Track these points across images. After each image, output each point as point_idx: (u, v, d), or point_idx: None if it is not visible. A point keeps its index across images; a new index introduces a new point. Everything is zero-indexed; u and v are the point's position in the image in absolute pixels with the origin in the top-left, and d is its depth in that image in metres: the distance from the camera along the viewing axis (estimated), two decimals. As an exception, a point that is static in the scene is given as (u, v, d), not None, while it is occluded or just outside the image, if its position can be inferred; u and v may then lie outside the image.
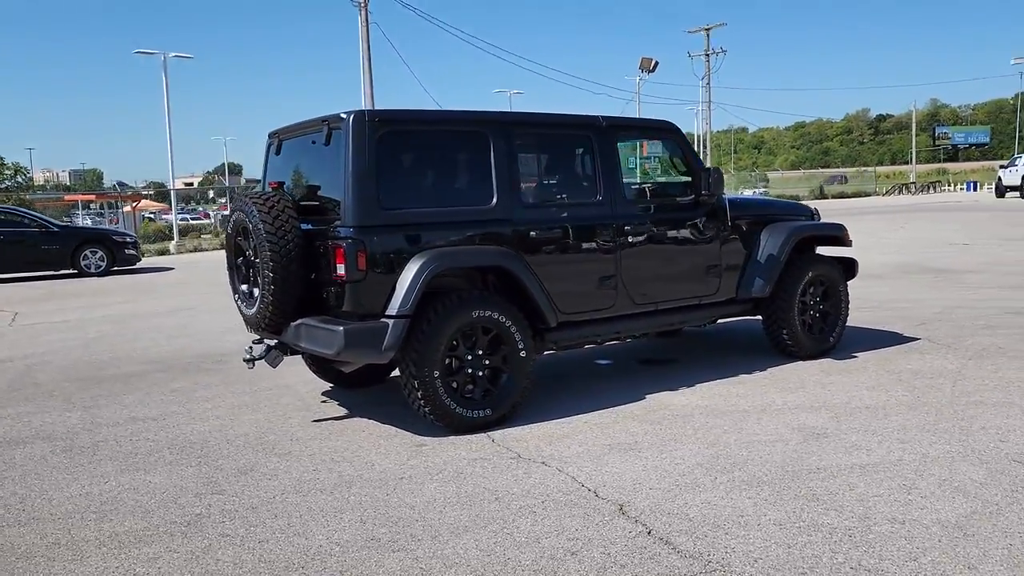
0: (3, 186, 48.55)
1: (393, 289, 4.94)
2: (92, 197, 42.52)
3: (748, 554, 3.29)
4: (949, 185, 57.45)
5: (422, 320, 4.96)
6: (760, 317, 6.90)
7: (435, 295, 5.04)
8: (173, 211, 32.25)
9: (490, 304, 5.16)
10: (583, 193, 5.83)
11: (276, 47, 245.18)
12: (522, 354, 5.27)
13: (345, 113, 5.01)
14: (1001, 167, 41.10)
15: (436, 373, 4.98)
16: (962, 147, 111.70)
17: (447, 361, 5.10)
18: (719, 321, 7.05)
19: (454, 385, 5.13)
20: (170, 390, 6.72)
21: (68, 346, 9.02)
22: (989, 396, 5.44)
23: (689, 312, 6.35)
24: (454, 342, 5.09)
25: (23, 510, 4.14)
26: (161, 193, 67.48)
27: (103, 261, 17.11)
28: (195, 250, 25.25)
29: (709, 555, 3.30)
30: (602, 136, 5.82)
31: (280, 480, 4.43)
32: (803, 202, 14.29)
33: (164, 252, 24.08)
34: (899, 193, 53.43)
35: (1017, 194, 36.80)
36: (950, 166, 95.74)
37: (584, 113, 5.97)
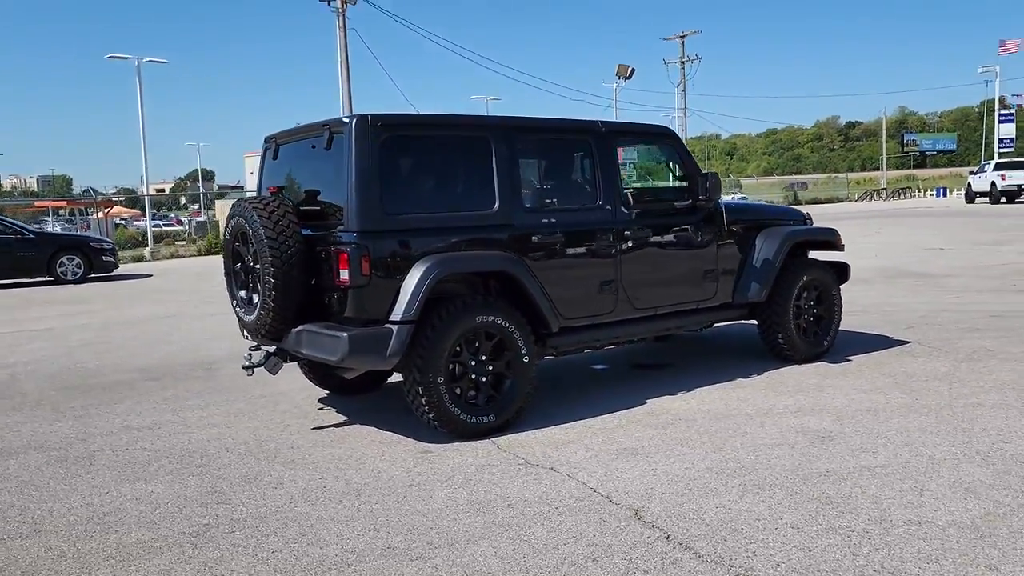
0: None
1: (397, 294, 4.90)
2: (63, 203, 41.90)
3: (770, 558, 3.29)
4: (919, 191, 58.36)
5: (426, 326, 4.92)
6: (754, 321, 6.95)
7: (438, 300, 5.01)
8: (147, 217, 31.92)
9: (493, 309, 5.14)
10: (583, 198, 5.83)
11: (250, 51, 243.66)
12: (525, 359, 5.25)
13: (347, 117, 4.97)
14: (971, 173, 41.75)
15: (440, 379, 4.94)
16: (930, 154, 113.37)
17: (451, 367, 5.06)
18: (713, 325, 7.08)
19: (458, 391, 5.09)
20: (161, 398, 6.61)
21: (52, 354, 8.85)
22: (986, 398, 5.50)
23: (687, 316, 6.37)
24: (458, 347, 5.06)
25: (24, 522, 4.04)
26: (132, 199, 66.69)
27: (80, 268, 16.83)
28: (172, 256, 24.95)
29: (731, 559, 3.29)
30: (601, 141, 5.83)
31: (286, 489, 4.36)
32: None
33: (140, 259, 23.75)
34: (871, 199, 54.13)
35: (987, 199, 37.41)
36: (918, 172, 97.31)
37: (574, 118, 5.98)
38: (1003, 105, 50.07)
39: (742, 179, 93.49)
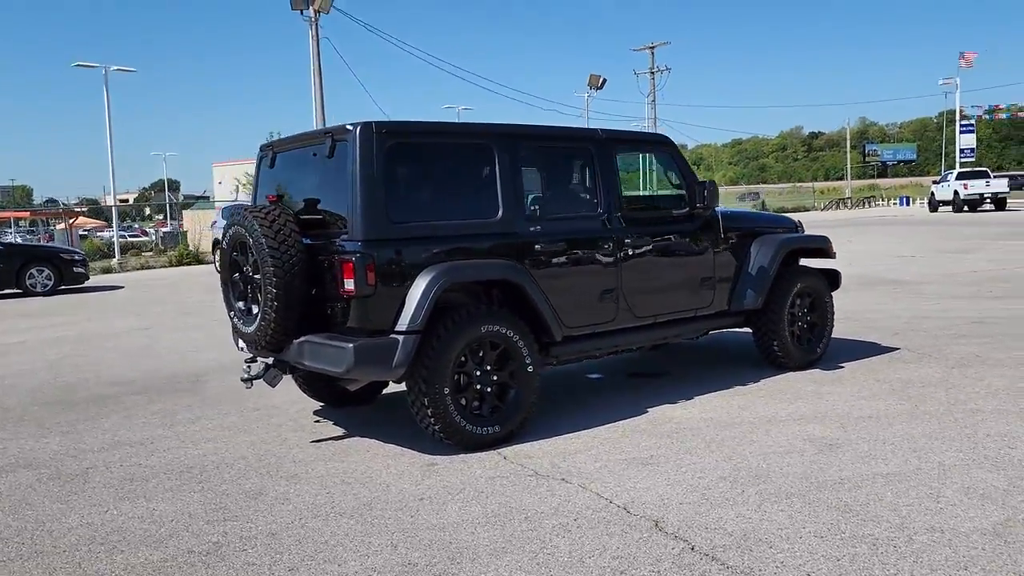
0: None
1: (402, 304, 4.82)
2: (26, 214, 41.06)
3: (799, 568, 3.26)
4: (883, 200, 59.29)
5: (431, 335, 4.85)
6: (747, 328, 6.97)
7: (442, 310, 4.94)
8: (114, 228, 31.33)
9: (498, 319, 5.08)
10: (584, 206, 5.80)
11: (219, 60, 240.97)
12: (529, 369, 5.20)
13: (351, 125, 4.90)
14: (934, 183, 42.60)
15: (446, 390, 4.87)
16: (891, 163, 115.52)
17: (455, 377, 4.99)
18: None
19: (462, 402, 5.02)
20: (150, 412, 6.45)
21: (31, 368, 8.62)
22: (983, 404, 5.56)
23: (685, 325, 6.37)
24: (462, 358, 5.00)
25: (23, 543, 3.89)
26: (95, 210, 65.52)
27: (50, 280, 16.43)
28: (142, 268, 24.49)
29: (760, 570, 3.26)
30: (601, 149, 5.81)
31: (294, 504, 4.26)
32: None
33: (109, 270, 23.28)
34: (837, 208, 54.93)
35: (950, 208, 38.19)
36: (880, 182, 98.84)
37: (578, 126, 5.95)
38: (963, 116, 51.09)
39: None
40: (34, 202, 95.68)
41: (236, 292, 5.36)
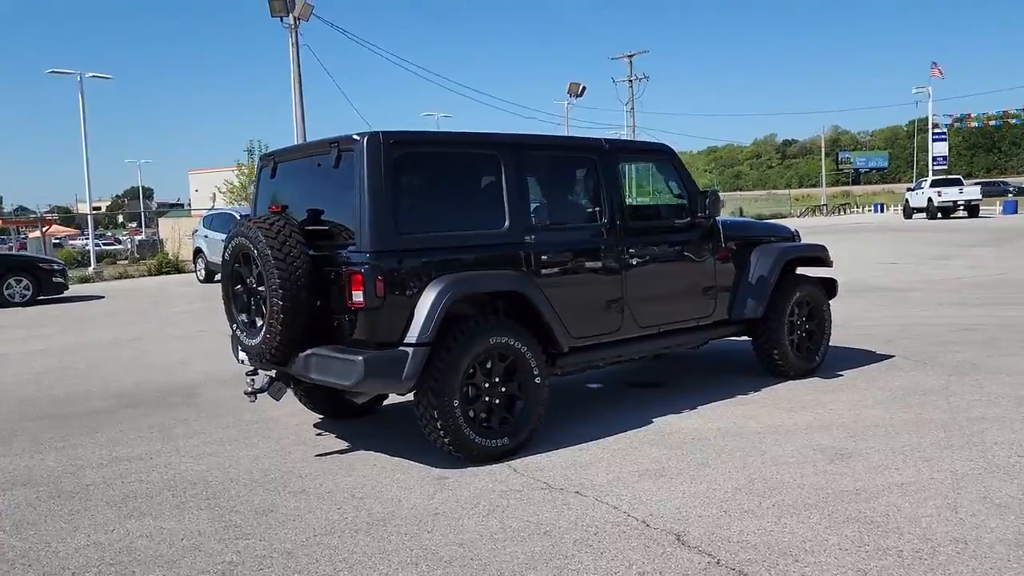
0: None
1: (411, 316, 4.77)
2: (-2, 222, 40.29)
3: (828, 581, 3.25)
4: (858, 207, 60.00)
5: (441, 347, 4.80)
6: (746, 337, 6.98)
7: (450, 321, 4.89)
8: (90, 236, 30.88)
9: (506, 330, 5.04)
10: (589, 215, 5.78)
11: (195, 67, 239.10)
12: (537, 380, 5.17)
13: (358, 135, 4.84)
14: (908, 190, 43.16)
15: (456, 402, 4.82)
16: (863, 171, 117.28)
17: (464, 389, 4.94)
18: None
19: (471, 414, 4.97)
20: (146, 426, 6.33)
21: (17, 381, 8.44)
22: (986, 412, 5.59)
23: (687, 334, 6.36)
24: (471, 369, 4.95)
25: (29, 564, 3.79)
26: (66, 218, 64.60)
27: (28, 290, 16.13)
28: (121, 277, 24.15)
29: (790, 584, 3.24)
30: (605, 159, 5.80)
31: (306, 521, 4.18)
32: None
33: (87, 280, 22.91)
34: (813, 215, 55.49)
35: (924, 215, 38.70)
36: (853, 189, 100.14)
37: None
38: (935, 124, 51.84)
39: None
40: (3, 210, 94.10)
41: (239, 304, 5.27)
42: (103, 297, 17.83)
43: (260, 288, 4.99)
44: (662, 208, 6.50)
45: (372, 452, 5.35)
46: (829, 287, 7.32)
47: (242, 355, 5.51)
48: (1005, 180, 69.02)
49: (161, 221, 33.36)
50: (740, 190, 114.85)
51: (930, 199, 38.23)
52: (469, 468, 4.88)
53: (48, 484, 4.99)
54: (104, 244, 49.88)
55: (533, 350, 5.14)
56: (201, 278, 19.79)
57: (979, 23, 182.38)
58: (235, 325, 5.31)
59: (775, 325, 6.69)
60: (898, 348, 7.97)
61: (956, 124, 57.48)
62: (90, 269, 25.73)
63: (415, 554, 3.70)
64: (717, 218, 6.47)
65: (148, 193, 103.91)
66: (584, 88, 40.99)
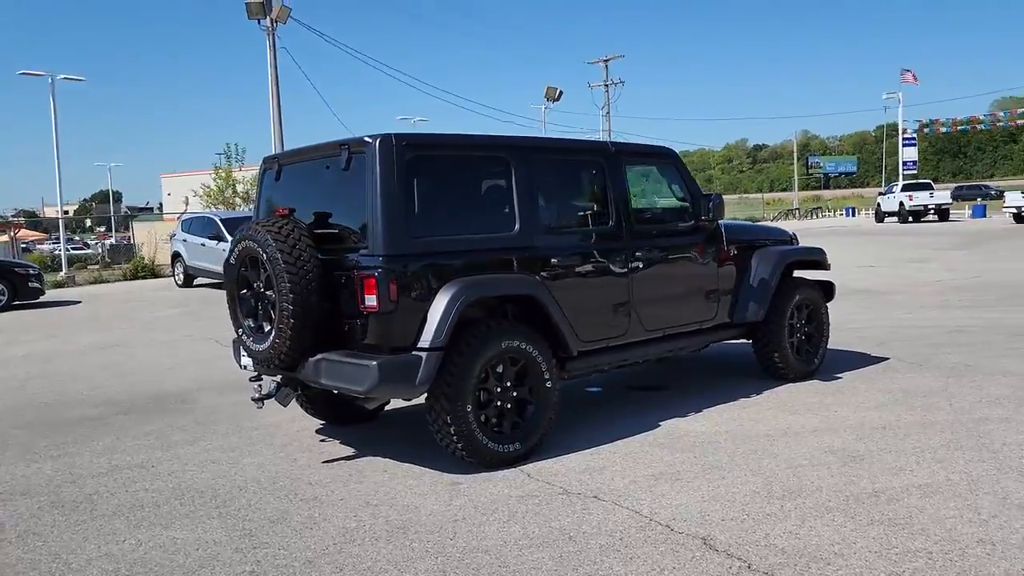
0: None
1: (423, 320, 4.71)
2: (-36, 226, 39.46)
3: (863, 584, 3.24)
4: (830, 211, 60.72)
5: (453, 352, 4.74)
6: (745, 340, 7.00)
7: (462, 325, 4.84)
8: (62, 240, 30.36)
9: (518, 334, 5.00)
10: (597, 219, 5.76)
11: (168, 70, 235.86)
12: (548, 384, 5.13)
13: (370, 137, 4.78)
14: (880, 194, 43.76)
15: (469, 407, 4.76)
16: (832, 175, 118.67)
17: (476, 394, 4.89)
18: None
19: (483, 419, 4.92)
20: (142, 433, 6.20)
21: (2, 388, 8.23)
22: (989, 412, 5.65)
23: (690, 337, 6.36)
24: (483, 374, 4.90)
25: (41, 577, 3.67)
26: (32, 222, 63.44)
27: (3, 295, 15.76)
28: (95, 282, 23.71)
29: (825, 587, 3.23)
30: (612, 162, 5.78)
31: (323, 529, 4.11)
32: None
33: (62, 284, 22.46)
34: (786, 218, 55.97)
35: (896, 219, 39.26)
36: (823, 193, 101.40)
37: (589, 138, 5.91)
38: (905, 130, 52.59)
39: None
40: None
41: (245, 309, 5.18)
42: (80, 302, 17.49)
43: (268, 292, 4.90)
44: (666, 211, 6.50)
45: (379, 458, 5.28)
46: (826, 290, 7.36)
47: (246, 360, 5.42)
48: (987, 184, 70.17)
49: (136, 225, 32.83)
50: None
51: (901, 203, 38.81)
52: (482, 474, 4.83)
53: (48, 494, 4.86)
54: (73, 248, 49.02)
55: (544, 354, 5.11)
56: (180, 282, 19.50)
57: (946, 31, 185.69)
58: (240, 330, 5.21)
59: (776, 328, 6.71)
60: (891, 350, 8.04)
61: (926, 129, 58.41)
62: (61, 274, 25.26)
63: (441, 562, 3.64)
64: (720, 222, 6.48)
65: (116, 197, 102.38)
66: (561, 92, 41.13)
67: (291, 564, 3.70)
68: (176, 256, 19.74)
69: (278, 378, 5.28)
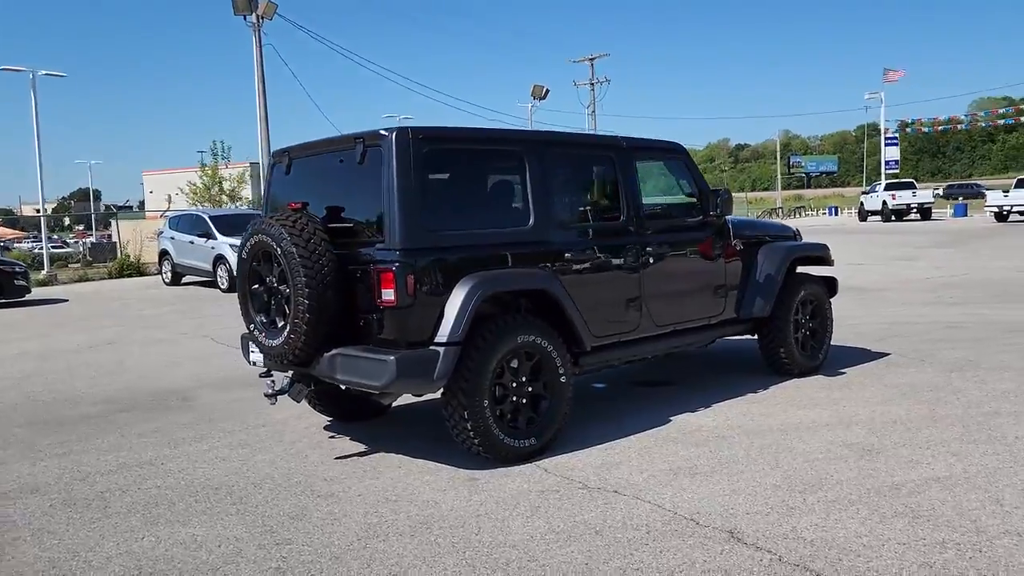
0: None
1: (440, 315, 4.68)
2: (-58, 224, 38.88)
3: None
4: (812, 210, 61.10)
5: (470, 347, 4.72)
6: (750, 335, 7.02)
7: (478, 320, 4.81)
8: (43, 239, 30.00)
9: (534, 328, 4.98)
10: (609, 213, 5.75)
11: (150, 67, 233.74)
12: (562, 379, 5.12)
13: (386, 130, 4.74)
14: (863, 194, 44.10)
15: (485, 402, 4.74)
16: (813, 175, 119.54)
17: (492, 389, 4.86)
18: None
19: (498, 414, 4.89)
20: (147, 431, 6.12)
21: (-2, 387, 8.12)
22: (998, 406, 5.69)
23: (698, 332, 6.36)
24: (499, 369, 4.87)
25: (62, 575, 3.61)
26: (9, 220, 62.66)
27: (-11, 293, 15.59)
28: (80, 280, 23.44)
29: (859, 579, 3.24)
30: (623, 156, 5.77)
31: (345, 525, 4.07)
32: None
33: (47, 283, 22.16)
34: (770, 217, 56.31)
35: (879, 218, 39.58)
36: (805, 192, 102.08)
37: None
38: (887, 129, 53.03)
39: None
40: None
41: (257, 304, 5.12)
42: (67, 300, 17.28)
43: (282, 287, 4.85)
44: (675, 207, 6.50)
45: (392, 454, 5.24)
46: (829, 285, 7.39)
47: (255, 356, 5.36)
48: (979, 183, 70.72)
49: (122, 223, 32.45)
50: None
51: (884, 202, 39.12)
52: (499, 469, 4.81)
53: (59, 492, 4.79)
54: (52, 247, 48.44)
55: (559, 348, 5.09)
56: (167, 280, 19.32)
57: (927, 33, 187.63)
58: (252, 325, 5.15)
59: (782, 324, 6.73)
60: (891, 346, 8.09)
61: (908, 129, 58.95)
62: (43, 273, 24.94)
63: (469, 556, 3.62)
64: (727, 218, 6.49)
65: (96, 194, 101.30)
66: (548, 91, 41.15)
67: (317, 560, 3.66)
68: (164, 254, 19.55)
69: (290, 374, 5.24)
